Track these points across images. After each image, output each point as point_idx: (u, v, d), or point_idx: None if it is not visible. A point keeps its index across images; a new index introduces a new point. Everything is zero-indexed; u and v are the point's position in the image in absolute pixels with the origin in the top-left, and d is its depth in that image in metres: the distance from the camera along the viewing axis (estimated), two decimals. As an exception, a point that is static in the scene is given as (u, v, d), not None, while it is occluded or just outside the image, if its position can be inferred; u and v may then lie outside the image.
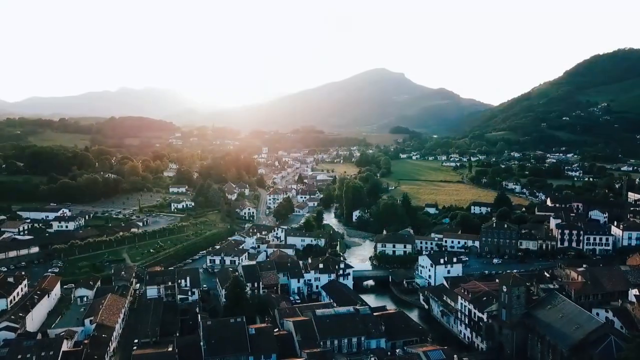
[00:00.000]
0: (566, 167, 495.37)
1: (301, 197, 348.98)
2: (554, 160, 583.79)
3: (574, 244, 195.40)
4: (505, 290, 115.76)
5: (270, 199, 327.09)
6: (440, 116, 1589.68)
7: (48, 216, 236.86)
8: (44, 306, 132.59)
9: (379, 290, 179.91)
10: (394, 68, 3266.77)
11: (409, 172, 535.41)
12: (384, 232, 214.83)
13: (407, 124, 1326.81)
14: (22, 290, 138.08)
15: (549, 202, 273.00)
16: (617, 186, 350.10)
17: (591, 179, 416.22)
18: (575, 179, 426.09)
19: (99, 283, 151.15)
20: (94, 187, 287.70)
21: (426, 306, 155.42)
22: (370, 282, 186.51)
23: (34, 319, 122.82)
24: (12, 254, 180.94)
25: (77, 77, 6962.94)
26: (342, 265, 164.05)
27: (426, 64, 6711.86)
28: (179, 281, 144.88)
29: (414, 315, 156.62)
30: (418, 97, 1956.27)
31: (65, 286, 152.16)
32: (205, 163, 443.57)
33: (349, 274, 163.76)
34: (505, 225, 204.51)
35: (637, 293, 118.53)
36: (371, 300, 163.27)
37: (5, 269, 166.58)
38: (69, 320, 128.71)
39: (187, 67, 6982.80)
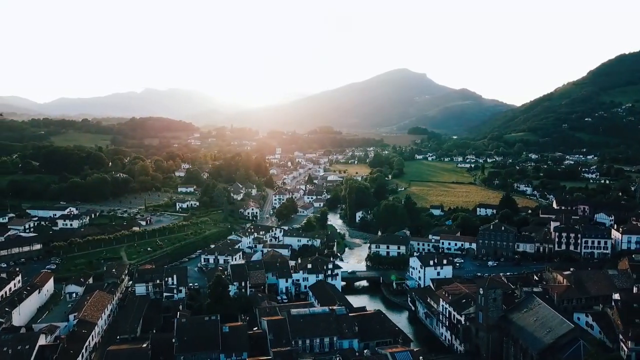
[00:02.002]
0: (583, 169, 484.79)
1: (308, 198, 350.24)
2: (572, 162, 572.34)
3: (571, 247, 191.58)
4: (481, 292, 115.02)
5: (275, 199, 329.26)
6: (462, 117, 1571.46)
7: (55, 214, 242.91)
8: (34, 301, 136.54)
9: (371, 291, 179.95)
10: (416, 68, 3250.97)
11: (423, 173, 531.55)
12: (379, 233, 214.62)
13: (428, 124, 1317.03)
14: (14, 286, 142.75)
15: (554, 205, 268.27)
16: (632, 188, 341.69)
17: (607, 181, 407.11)
18: (591, 181, 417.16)
19: (90, 280, 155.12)
20: (103, 187, 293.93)
21: (413, 308, 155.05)
22: (364, 283, 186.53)
23: (21, 314, 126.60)
24: (15, 250, 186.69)
25: (104, 78, 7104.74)
26: (330, 266, 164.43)
27: (449, 64, 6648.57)
28: (166, 279, 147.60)
29: (403, 316, 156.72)
30: (440, 98, 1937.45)
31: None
32: (217, 163, 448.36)
33: (337, 274, 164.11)
34: (503, 228, 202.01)
35: (618, 298, 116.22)
36: (363, 301, 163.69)
37: (5, 265, 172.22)
38: (56, 315, 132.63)
39: (212, 69, 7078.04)
